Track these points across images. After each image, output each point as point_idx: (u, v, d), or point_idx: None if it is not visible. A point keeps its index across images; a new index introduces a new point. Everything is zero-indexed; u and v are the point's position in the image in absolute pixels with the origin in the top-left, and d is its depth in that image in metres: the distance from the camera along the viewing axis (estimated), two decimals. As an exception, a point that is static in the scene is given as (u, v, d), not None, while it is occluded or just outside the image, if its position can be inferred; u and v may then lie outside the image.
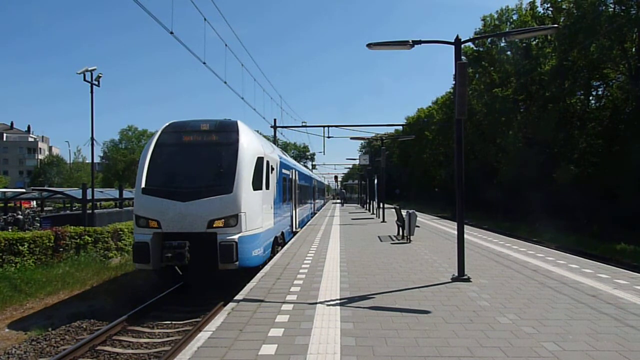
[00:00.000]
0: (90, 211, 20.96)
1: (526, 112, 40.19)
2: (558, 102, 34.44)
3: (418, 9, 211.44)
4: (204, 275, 10.76)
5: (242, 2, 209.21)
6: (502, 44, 42.44)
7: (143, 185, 10.46)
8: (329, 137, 46.02)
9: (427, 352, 5.10)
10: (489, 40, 42.82)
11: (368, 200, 39.93)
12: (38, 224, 22.95)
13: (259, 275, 9.65)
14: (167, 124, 11.67)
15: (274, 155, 13.77)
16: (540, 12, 38.56)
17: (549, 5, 36.72)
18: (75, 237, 16.00)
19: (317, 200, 39.68)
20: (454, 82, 32.40)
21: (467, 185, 9.72)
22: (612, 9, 31.02)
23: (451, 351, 5.11)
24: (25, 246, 14.11)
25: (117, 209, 27.43)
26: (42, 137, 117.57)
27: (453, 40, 9.08)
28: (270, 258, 12.12)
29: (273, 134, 33.71)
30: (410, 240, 15.29)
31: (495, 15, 43.60)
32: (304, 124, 37.30)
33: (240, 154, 10.56)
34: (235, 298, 7.66)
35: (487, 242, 15.19)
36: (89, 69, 20.00)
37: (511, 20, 42.51)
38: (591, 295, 7.62)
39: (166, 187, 10.36)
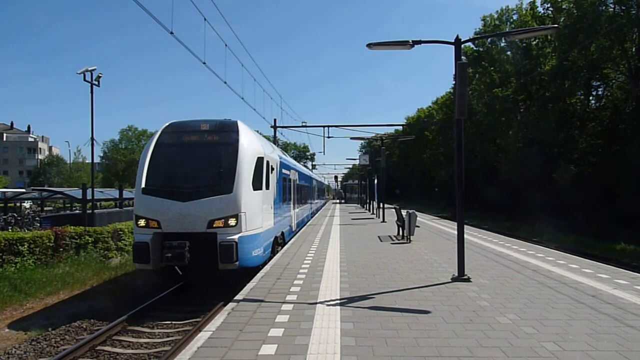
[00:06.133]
0: (90, 211, 20.96)
1: (526, 112, 40.19)
2: (558, 102, 34.43)
3: (418, 9, 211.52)
4: (204, 275, 10.76)
5: (242, 2, 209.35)
6: (502, 44, 42.43)
7: (143, 185, 10.46)
8: (329, 137, 45.94)
9: (427, 352, 5.10)
10: (489, 40, 42.80)
11: (368, 200, 39.94)
12: (38, 224, 22.93)
13: (259, 275, 9.65)
14: (167, 124, 11.66)
15: (274, 155, 13.77)
16: (540, 12, 38.53)
17: (549, 5, 36.70)
18: (75, 237, 15.99)
19: (317, 200, 39.69)
20: (454, 82, 32.45)
21: (467, 185, 9.73)
22: (612, 9, 31.01)
23: (451, 351, 5.11)
24: (25, 246, 14.10)
25: (117, 209, 27.43)
26: (42, 137, 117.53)
27: (453, 40, 9.09)
28: (270, 258, 12.12)
29: (273, 134, 33.69)
30: (410, 240, 15.29)
31: (495, 15, 43.61)
32: (304, 124, 37.31)
33: (240, 154, 10.55)
34: (235, 298, 7.67)
35: (487, 242, 15.18)
36: (89, 69, 19.99)
37: (511, 20, 42.50)
38: (591, 295, 7.62)
39: (166, 187, 10.35)
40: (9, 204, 30.44)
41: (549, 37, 35.09)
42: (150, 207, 10.23)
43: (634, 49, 30.84)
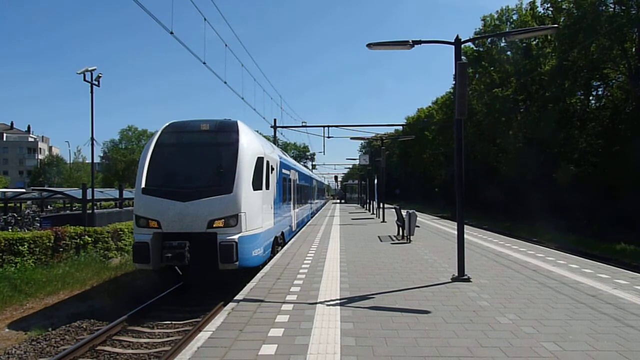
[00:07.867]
0: (90, 211, 20.94)
1: (526, 112, 40.20)
2: (558, 102, 34.44)
3: (418, 9, 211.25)
4: (204, 275, 10.76)
5: (242, 2, 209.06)
6: (502, 44, 42.48)
7: (143, 185, 10.46)
8: (329, 137, 45.89)
9: (427, 352, 5.10)
10: (489, 40, 42.83)
11: (368, 200, 39.95)
12: (38, 224, 22.93)
13: (259, 275, 9.65)
14: (167, 124, 11.67)
15: (274, 155, 13.77)
16: (540, 12, 38.60)
17: (549, 5, 36.74)
18: (75, 237, 15.99)
19: (317, 200, 39.69)
20: (454, 82, 32.42)
21: (467, 185, 9.73)
22: (612, 9, 31.03)
23: (451, 351, 5.11)
24: (25, 246, 14.10)
25: (117, 209, 27.41)
26: (42, 137, 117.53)
27: (453, 40, 9.09)
28: (270, 258, 12.12)
29: (273, 134, 33.69)
30: (410, 240, 15.29)
31: (495, 15, 43.67)
32: (304, 124, 37.28)
33: (240, 154, 10.55)
34: (235, 298, 7.66)
35: (487, 242, 15.18)
36: (89, 69, 19.95)
37: (511, 20, 42.54)
38: (591, 295, 7.62)
39: (166, 187, 10.36)
40: (9, 204, 30.43)
41: (549, 37, 35.12)
42: (150, 207, 10.23)
43: (634, 49, 30.85)
